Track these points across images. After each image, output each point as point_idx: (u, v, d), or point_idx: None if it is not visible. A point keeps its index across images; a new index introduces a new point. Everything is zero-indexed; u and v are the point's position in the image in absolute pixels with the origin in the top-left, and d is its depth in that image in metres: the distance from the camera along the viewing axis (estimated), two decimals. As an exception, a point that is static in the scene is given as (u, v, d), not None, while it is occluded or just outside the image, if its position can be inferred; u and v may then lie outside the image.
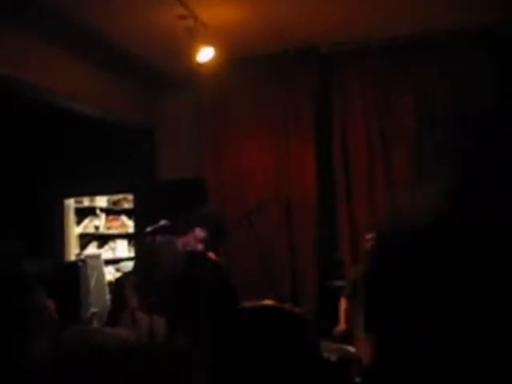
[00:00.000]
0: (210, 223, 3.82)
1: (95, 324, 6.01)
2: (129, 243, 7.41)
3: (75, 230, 7.08)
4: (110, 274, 7.05)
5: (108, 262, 7.12)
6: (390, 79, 5.47)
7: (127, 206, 7.45)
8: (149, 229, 3.58)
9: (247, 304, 2.57)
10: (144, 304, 3.60)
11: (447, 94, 5.30)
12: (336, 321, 4.79)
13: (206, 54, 4.90)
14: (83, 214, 7.29)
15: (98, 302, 6.18)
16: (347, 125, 5.57)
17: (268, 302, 4.23)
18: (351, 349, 3.96)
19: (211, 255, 3.79)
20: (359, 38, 5.37)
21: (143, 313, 3.56)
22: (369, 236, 4.94)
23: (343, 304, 4.87)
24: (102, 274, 6.55)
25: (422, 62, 5.38)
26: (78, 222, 7.21)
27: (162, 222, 3.63)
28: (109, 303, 6.42)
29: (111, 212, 7.50)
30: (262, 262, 5.55)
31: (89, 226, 7.30)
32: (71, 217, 6.94)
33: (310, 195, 5.57)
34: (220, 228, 3.91)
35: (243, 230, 5.46)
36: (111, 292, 6.27)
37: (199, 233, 3.76)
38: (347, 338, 4.48)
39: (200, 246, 3.72)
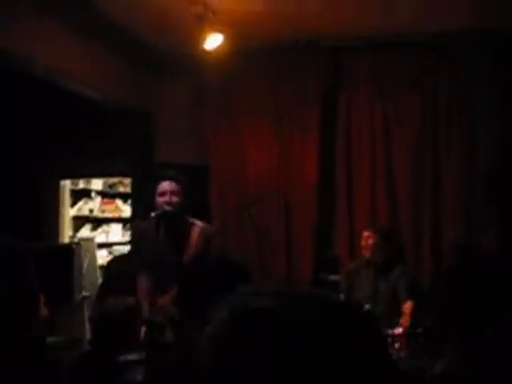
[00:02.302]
0: (179, 178, 3.67)
1: (85, 308, 5.98)
2: (123, 227, 7.36)
3: (69, 212, 7.02)
4: (103, 257, 7.00)
5: (101, 246, 7.07)
6: (396, 74, 5.47)
7: (122, 189, 7.40)
8: (153, 214, 3.54)
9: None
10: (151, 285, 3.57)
11: (452, 90, 5.32)
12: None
13: (213, 41, 4.86)
14: (78, 195, 7.22)
15: (90, 285, 6.13)
16: (352, 120, 5.56)
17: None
18: None
19: (199, 223, 3.73)
20: (368, 32, 5.34)
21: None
22: (366, 233, 4.95)
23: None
24: (94, 258, 6.51)
25: (429, 58, 5.38)
26: (73, 204, 7.14)
27: (167, 208, 3.58)
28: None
29: (106, 195, 7.44)
30: (259, 253, 5.56)
31: (83, 208, 7.24)
32: (66, 198, 6.88)
33: (311, 189, 5.56)
34: (187, 184, 3.73)
35: (242, 221, 5.47)
36: (104, 273, 6.23)
37: (171, 185, 3.60)
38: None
39: (175, 198, 3.59)
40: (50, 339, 4.90)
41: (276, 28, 5.14)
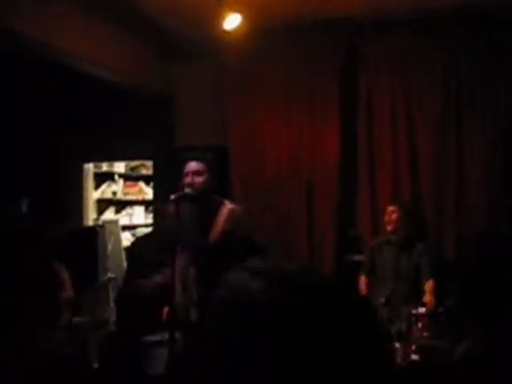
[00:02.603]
0: (206, 159, 3.70)
1: (110, 289, 6.07)
2: (146, 209, 7.42)
3: (93, 195, 7.09)
4: (127, 239, 7.07)
5: (125, 228, 7.14)
6: (417, 54, 5.38)
7: (145, 172, 7.44)
8: (172, 196, 3.55)
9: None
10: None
11: (475, 71, 5.23)
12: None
13: (232, 21, 4.83)
14: (101, 178, 7.29)
15: (115, 267, 6.21)
16: (373, 100, 5.50)
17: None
18: None
19: (228, 204, 3.75)
20: (388, 11, 5.25)
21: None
22: (391, 208, 4.92)
23: (363, 280, 4.87)
24: (118, 240, 6.58)
25: (452, 38, 5.28)
26: (96, 187, 7.21)
27: (186, 190, 3.59)
28: (125, 269, 6.47)
29: (129, 178, 7.49)
30: (281, 235, 5.56)
31: (106, 191, 7.30)
32: (90, 181, 6.95)
33: (332, 169, 5.53)
34: (214, 164, 3.77)
35: (263, 205, 5.47)
36: (127, 255, 6.30)
37: (196, 166, 3.63)
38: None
39: (198, 179, 3.62)
40: (76, 320, 5.00)
41: (294, 7, 5.07)
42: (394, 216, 4.84)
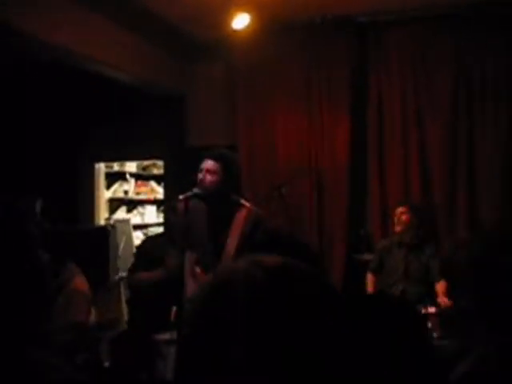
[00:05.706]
0: (223, 158, 3.60)
1: (122, 289, 6.10)
2: (157, 209, 7.45)
3: (105, 195, 7.13)
4: (138, 239, 7.10)
5: (136, 227, 7.17)
6: (427, 51, 5.36)
7: (156, 171, 7.47)
8: (181, 196, 3.53)
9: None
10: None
11: (486, 68, 5.19)
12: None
13: (240, 21, 4.85)
14: (113, 178, 7.32)
15: (126, 266, 6.24)
16: (383, 98, 5.50)
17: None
18: None
19: (247, 205, 3.66)
20: (397, 8, 5.24)
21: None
22: (400, 209, 4.89)
23: (370, 278, 4.86)
24: (130, 239, 6.61)
25: (462, 34, 5.25)
26: (108, 187, 7.25)
27: (195, 190, 3.58)
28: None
29: (140, 177, 7.53)
30: (291, 233, 5.55)
31: (118, 190, 7.34)
32: (101, 181, 6.99)
33: (342, 168, 5.53)
34: (233, 164, 3.66)
35: (272, 201, 5.46)
36: (137, 252, 6.30)
37: (210, 164, 3.54)
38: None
39: (209, 177, 3.52)
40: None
41: (303, 6, 5.08)
42: (403, 217, 4.81)
